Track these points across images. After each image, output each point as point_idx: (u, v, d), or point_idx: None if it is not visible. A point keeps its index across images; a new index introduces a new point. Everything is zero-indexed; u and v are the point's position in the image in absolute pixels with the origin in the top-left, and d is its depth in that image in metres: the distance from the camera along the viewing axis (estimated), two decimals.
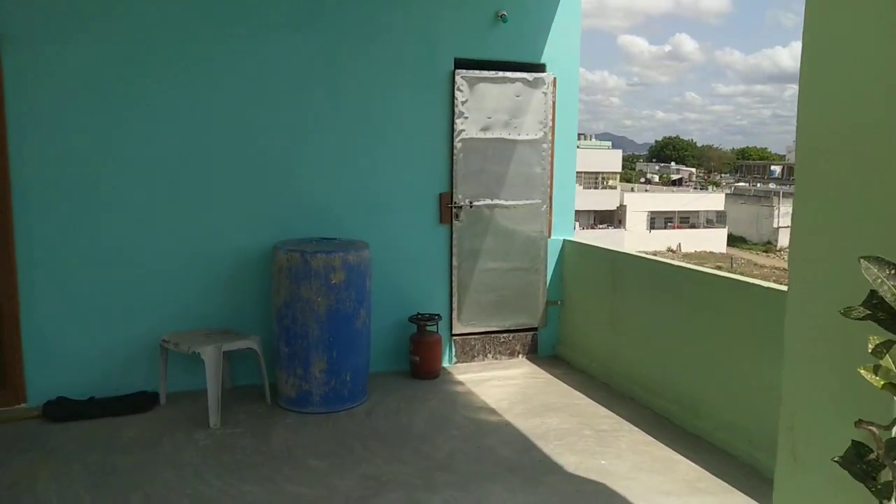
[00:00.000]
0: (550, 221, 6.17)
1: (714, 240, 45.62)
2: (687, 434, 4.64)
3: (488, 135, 5.88)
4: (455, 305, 5.98)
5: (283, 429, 4.63)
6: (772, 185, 54.73)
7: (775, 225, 47.50)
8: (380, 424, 4.75)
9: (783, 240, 46.82)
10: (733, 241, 47.52)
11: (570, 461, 4.23)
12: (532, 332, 6.26)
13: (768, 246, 46.74)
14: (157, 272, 5.08)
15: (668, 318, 4.95)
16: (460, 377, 5.75)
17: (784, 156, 78.41)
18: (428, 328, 5.69)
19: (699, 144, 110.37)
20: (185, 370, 5.04)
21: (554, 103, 6.05)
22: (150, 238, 5.05)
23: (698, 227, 46.90)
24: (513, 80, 5.91)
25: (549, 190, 6.12)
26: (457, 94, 5.76)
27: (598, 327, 5.77)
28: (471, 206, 5.90)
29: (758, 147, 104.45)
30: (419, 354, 5.61)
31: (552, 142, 6.08)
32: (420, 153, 5.77)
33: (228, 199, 5.24)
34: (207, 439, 4.41)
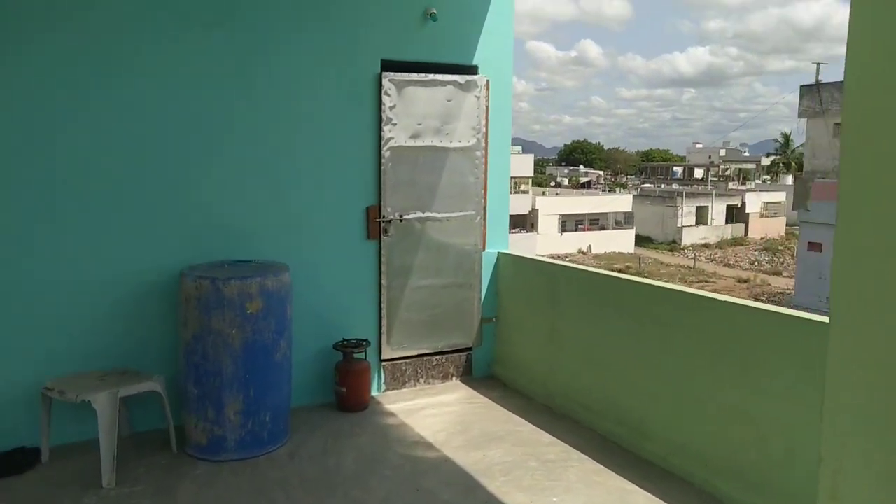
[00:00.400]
0: (485, 234, 5.79)
1: (622, 240, 46.97)
2: (639, 460, 4.35)
3: (418, 142, 5.43)
4: (385, 328, 5.49)
5: (191, 482, 4.01)
6: (675, 186, 56.96)
7: (679, 224, 49.41)
8: (305, 468, 4.22)
9: (686, 238, 48.81)
10: (640, 241, 49.10)
11: (519, 501, 3.85)
12: (466, 353, 5.85)
13: (673, 245, 48.55)
14: (36, 304, 4.32)
15: (611, 333, 4.67)
16: (391, 407, 5.27)
17: (684, 157, 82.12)
18: (355, 355, 5.17)
19: (606, 147, 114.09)
20: (73, 419, 4.30)
21: (487, 108, 5.67)
22: (27, 264, 4.29)
23: (608, 229, 48.17)
24: (444, 84, 5.48)
25: (482, 200, 5.73)
26: (384, 98, 5.28)
27: (536, 345, 5.43)
28: (401, 220, 5.43)
29: (660, 149, 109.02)
30: (346, 385, 5.09)
31: (485, 149, 5.70)
32: (345, 163, 5.25)
33: (125, 216, 4.54)
34: (99, 503, 3.74)
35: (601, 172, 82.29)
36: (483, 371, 5.91)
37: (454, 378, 5.81)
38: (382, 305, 5.45)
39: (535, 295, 5.46)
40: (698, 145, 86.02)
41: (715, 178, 62.69)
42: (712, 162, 70.62)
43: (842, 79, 1.65)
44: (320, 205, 5.20)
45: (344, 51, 5.16)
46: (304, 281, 5.00)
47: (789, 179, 61.38)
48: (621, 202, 51.22)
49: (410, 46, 5.40)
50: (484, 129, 5.67)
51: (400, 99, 5.34)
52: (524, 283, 5.63)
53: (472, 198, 5.68)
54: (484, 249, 5.79)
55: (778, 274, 40.02)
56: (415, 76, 5.38)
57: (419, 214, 5.49)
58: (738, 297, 4.80)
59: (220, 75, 4.76)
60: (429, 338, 5.66)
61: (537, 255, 6.27)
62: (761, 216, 51.25)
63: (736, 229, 50.56)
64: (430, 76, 5.43)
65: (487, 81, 5.65)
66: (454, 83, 5.52)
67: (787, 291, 35.46)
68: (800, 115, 24.09)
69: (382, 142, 5.31)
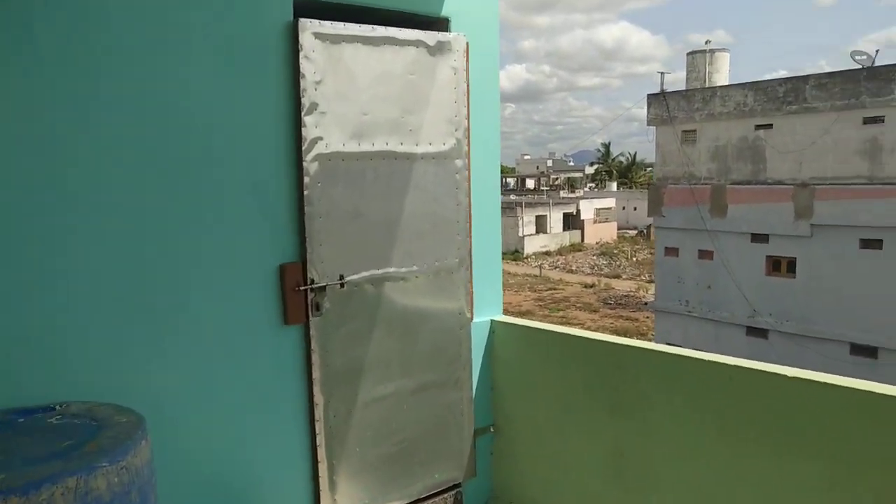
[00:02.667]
0: (472, 293, 3.53)
1: None
2: None
3: (365, 146, 3.08)
4: (324, 479, 3.04)
5: None
6: (512, 197, 57.53)
7: (520, 234, 49.68)
8: None
9: (528, 247, 49.20)
10: None
11: None
12: (454, 492, 3.54)
13: (516, 254, 48.62)
14: None
15: (741, 460, 2.63)
16: None
17: (514, 168, 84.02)
18: None
19: None
20: None
21: (468, 87, 3.43)
22: None
23: None
24: (403, 43, 3.17)
25: (467, 239, 3.48)
26: (303, 66, 2.87)
27: (578, 477, 3.27)
28: (341, 286, 3.03)
29: None
30: None
31: (468, 155, 3.46)
32: (236, 189, 2.78)
33: None
34: None
35: None
36: None
37: None
38: (318, 441, 3.01)
39: (572, 390, 3.30)
40: (526, 156, 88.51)
41: (546, 188, 64.41)
42: (542, 173, 72.73)
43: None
44: (196, 269, 2.68)
45: None
46: (170, 432, 2.45)
47: (614, 186, 64.64)
48: None
49: None
50: (466, 123, 3.43)
51: (331, 69, 2.96)
52: (550, 370, 3.43)
53: (453, 236, 3.41)
54: (472, 318, 3.53)
55: (618, 277, 41.25)
56: (356, 28, 3.02)
57: (372, 272, 3.12)
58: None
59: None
60: (396, 481, 3.28)
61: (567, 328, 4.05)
62: (595, 222, 53.02)
63: (573, 236, 51.85)
64: (381, 30, 3.10)
65: (467, 43, 3.42)
66: (419, 43, 3.23)
67: (631, 294, 36.39)
68: (648, 124, 24.09)
69: (303, 146, 2.89)
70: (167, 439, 2.41)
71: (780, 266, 19.23)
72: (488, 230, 3.62)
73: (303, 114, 2.88)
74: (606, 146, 70.80)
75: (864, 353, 17.23)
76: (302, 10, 2.91)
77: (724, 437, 2.68)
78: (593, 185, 69.55)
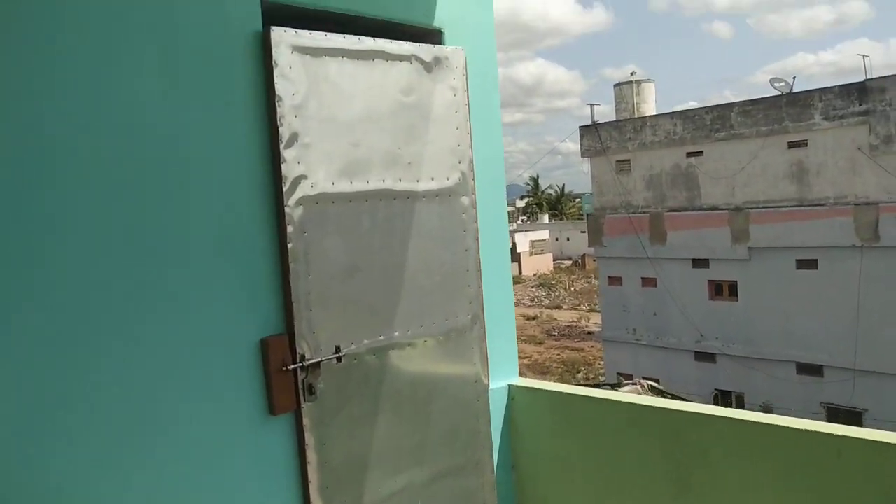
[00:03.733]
0: (486, 354, 2.93)
1: None
2: None
3: (358, 184, 2.47)
4: None
5: None
6: None
7: None
8: None
9: None
10: None
11: None
12: None
13: None
14: None
15: None
16: None
17: None
18: None
19: None
20: None
21: (468, 109, 2.89)
22: None
23: None
24: (394, 58, 2.61)
25: (479, 291, 2.89)
26: (279, 86, 2.26)
27: None
28: (338, 360, 2.38)
29: None
30: None
31: (474, 191, 2.90)
32: (202, 245, 2.12)
33: None
34: None
35: None
36: None
37: None
38: None
39: (617, 467, 2.72)
40: None
41: None
42: None
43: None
44: (153, 354, 1.99)
45: None
46: None
47: (546, 218, 65.45)
48: None
49: None
50: (469, 153, 2.87)
51: (314, 89, 2.36)
52: (583, 441, 2.85)
53: (463, 288, 2.82)
54: (489, 384, 2.93)
55: (559, 307, 41.33)
56: (340, 40, 2.44)
57: (374, 340, 2.49)
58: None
59: None
60: None
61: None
62: (531, 254, 53.30)
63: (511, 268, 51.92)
64: (370, 42, 2.53)
65: (465, 59, 2.88)
66: (413, 58, 2.67)
67: (574, 324, 36.41)
68: (582, 155, 24.31)
69: (284, 187, 2.27)
70: None
71: (723, 290, 19.42)
72: (499, 278, 3.05)
73: (281, 146, 2.27)
74: (535, 179, 71.88)
75: (811, 372, 17.44)
76: (272, 18, 2.32)
77: None
78: (525, 218, 70.28)
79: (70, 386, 1.86)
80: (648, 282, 21.00)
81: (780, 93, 18.66)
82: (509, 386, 3.04)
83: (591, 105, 24.40)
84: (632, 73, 25.61)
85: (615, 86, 25.68)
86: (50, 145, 1.86)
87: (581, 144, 24.66)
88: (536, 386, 3.02)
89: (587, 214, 26.96)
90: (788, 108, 18.16)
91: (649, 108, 25.18)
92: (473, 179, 2.89)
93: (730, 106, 19.89)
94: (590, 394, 2.83)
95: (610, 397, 2.75)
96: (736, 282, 18.96)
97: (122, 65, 1.99)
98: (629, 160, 22.40)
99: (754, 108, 19.00)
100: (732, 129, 19.42)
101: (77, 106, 1.91)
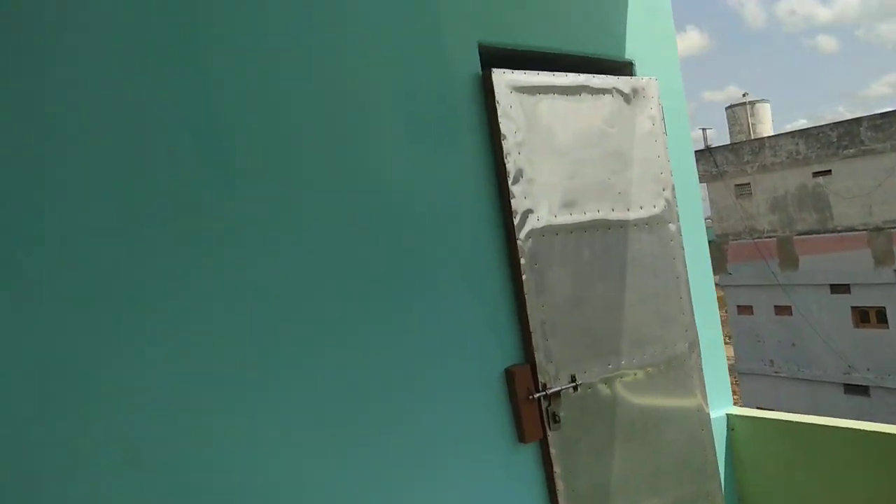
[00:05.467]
0: (704, 383, 2.85)
1: None
2: None
3: (576, 215, 2.51)
4: None
5: None
6: None
7: None
8: None
9: None
10: None
11: None
12: None
13: None
14: None
15: None
16: None
17: None
18: None
19: None
20: None
21: (665, 136, 2.89)
22: None
23: None
24: (597, 91, 2.66)
25: (692, 318, 2.84)
26: (503, 124, 2.36)
27: None
28: (575, 389, 2.39)
29: None
30: None
31: (678, 218, 2.87)
32: (446, 278, 2.22)
33: None
34: None
35: None
36: None
37: None
38: None
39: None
40: None
41: None
42: None
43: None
44: (409, 379, 2.09)
45: (407, 31, 2.24)
46: None
47: None
48: None
49: (519, 20, 2.57)
50: (671, 180, 2.87)
51: (532, 126, 2.44)
52: (824, 475, 2.69)
53: (678, 316, 2.77)
54: (709, 413, 2.84)
55: None
56: (550, 78, 2.53)
57: (604, 369, 2.49)
58: None
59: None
60: None
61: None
62: None
63: None
64: (574, 77, 2.60)
65: (658, 88, 2.90)
66: (614, 91, 2.72)
67: None
68: (699, 181, 23.63)
69: (515, 220, 2.34)
70: None
71: (869, 316, 17.98)
72: (706, 304, 2.99)
73: (510, 182, 2.35)
74: None
75: None
76: (488, 60, 2.43)
77: None
78: None
79: (352, 423, 1.97)
80: (782, 310, 19.77)
81: None
82: (727, 415, 2.93)
83: (704, 129, 23.69)
84: (744, 95, 24.76)
85: (727, 108, 24.89)
86: (318, 204, 2.02)
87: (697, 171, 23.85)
88: (757, 415, 2.90)
89: (709, 241, 25.91)
90: None
91: (766, 128, 24.18)
92: (677, 206, 2.87)
93: (858, 121, 18.74)
94: (825, 422, 2.69)
95: (852, 426, 2.60)
96: (884, 308, 17.51)
97: (370, 123, 2.14)
98: (749, 183, 21.45)
99: (885, 122, 17.82)
100: (863, 144, 18.26)
101: (338, 168, 2.07)
